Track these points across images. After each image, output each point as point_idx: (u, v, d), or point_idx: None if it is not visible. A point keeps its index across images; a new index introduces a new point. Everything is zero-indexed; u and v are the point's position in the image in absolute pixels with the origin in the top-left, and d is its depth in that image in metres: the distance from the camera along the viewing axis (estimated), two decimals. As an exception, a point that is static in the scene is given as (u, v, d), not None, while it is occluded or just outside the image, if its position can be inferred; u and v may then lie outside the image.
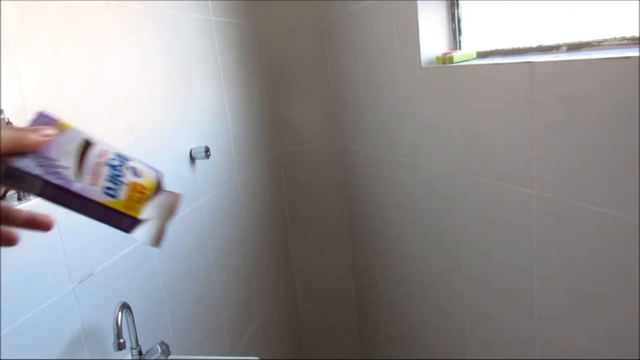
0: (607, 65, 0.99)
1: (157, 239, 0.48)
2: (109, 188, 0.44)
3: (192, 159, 1.54)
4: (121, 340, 1.02)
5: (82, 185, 0.42)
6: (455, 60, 1.49)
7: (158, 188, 0.48)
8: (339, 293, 2.54)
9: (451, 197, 1.56)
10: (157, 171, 0.49)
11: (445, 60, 1.51)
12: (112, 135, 1.18)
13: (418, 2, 1.55)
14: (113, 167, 0.45)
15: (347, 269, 2.51)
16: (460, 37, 1.60)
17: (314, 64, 2.27)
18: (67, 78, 1.04)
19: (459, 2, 1.58)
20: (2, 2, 0.90)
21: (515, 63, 1.22)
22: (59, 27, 1.03)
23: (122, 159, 0.46)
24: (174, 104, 1.47)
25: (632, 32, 1.08)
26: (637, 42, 1.06)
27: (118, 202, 0.44)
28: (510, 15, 1.48)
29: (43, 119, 0.44)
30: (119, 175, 0.45)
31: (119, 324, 1.02)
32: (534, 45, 1.33)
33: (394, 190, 1.92)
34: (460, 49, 1.61)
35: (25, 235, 0.90)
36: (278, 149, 2.34)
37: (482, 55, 1.52)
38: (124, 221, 0.45)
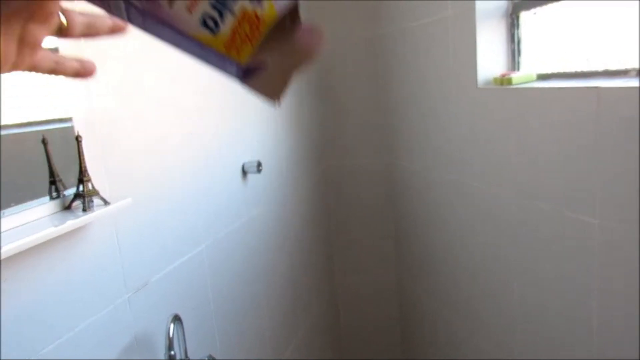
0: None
1: (274, 94, 0.36)
2: (209, 17, 0.32)
3: (244, 172, 1.56)
4: (172, 352, 1.04)
5: (174, 11, 0.31)
6: (514, 82, 1.45)
7: (285, 21, 0.33)
8: (381, 309, 2.50)
9: (504, 220, 1.51)
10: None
11: (503, 81, 1.48)
12: (168, 148, 1.21)
13: (477, 21, 1.53)
14: None
15: (391, 285, 2.47)
16: (520, 58, 1.56)
17: (365, 80, 2.26)
18: (132, 92, 1.08)
19: (520, 22, 1.55)
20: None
21: (580, 87, 1.18)
22: (128, 42, 1.07)
23: None
24: (228, 118, 1.50)
25: None
26: None
27: (217, 39, 0.32)
28: (571, 37, 1.43)
29: None
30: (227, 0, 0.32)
31: (171, 336, 1.04)
32: (600, 69, 1.28)
33: (442, 209, 1.88)
34: (519, 70, 1.57)
35: (86, 245, 0.92)
36: (327, 164, 2.34)
37: (542, 77, 1.47)
38: (228, 65, 0.34)
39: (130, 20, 0.33)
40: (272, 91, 0.35)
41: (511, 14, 1.55)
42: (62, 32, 0.36)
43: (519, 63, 1.57)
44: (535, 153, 1.34)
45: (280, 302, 1.86)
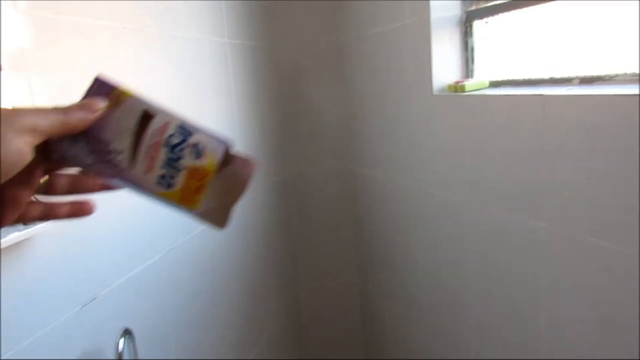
0: (618, 101, 0.97)
1: (220, 222, 0.42)
2: (163, 177, 0.39)
3: (202, 180, 1.55)
4: (122, 366, 1.02)
5: (135, 174, 0.38)
6: (467, 89, 1.48)
7: (224, 162, 0.40)
8: (344, 313, 2.51)
9: (460, 225, 1.54)
10: (224, 142, 0.40)
11: (457, 88, 1.51)
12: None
13: (432, 29, 1.56)
14: (172, 147, 0.39)
15: (354, 289, 2.49)
16: (473, 66, 1.60)
17: (326, 86, 2.28)
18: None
19: (472, 31, 1.58)
20: (16, 15, 0.92)
21: (527, 95, 1.21)
22: (75, 47, 1.05)
23: (185, 132, 0.39)
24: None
25: (645, 68, 1.07)
26: (651, 78, 1.05)
27: (173, 194, 0.39)
28: (522, 46, 1.47)
29: (99, 87, 0.39)
30: (177, 159, 0.39)
31: (120, 350, 1.02)
32: (546, 77, 1.32)
33: (403, 215, 1.91)
34: (472, 77, 1.60)
35: (31, 259, 0.90)
36: (288, 170, 2.34)
37: (494, 84, 1.51)
38: (182, 210, 0.40)
39: (105, 177, 0.39)
40: (219, 220, 0.42)
41: (464, 23, 1.59)
42: (46, 191, 0.39)
43: (472, 71, 1.61)
44: (487, 158, 1.38)
45: (241, 310, 1.84)
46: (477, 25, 1.58)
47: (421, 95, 1.65)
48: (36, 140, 0.34)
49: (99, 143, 0.38)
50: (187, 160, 0.39)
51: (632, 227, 0.98)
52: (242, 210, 1.85)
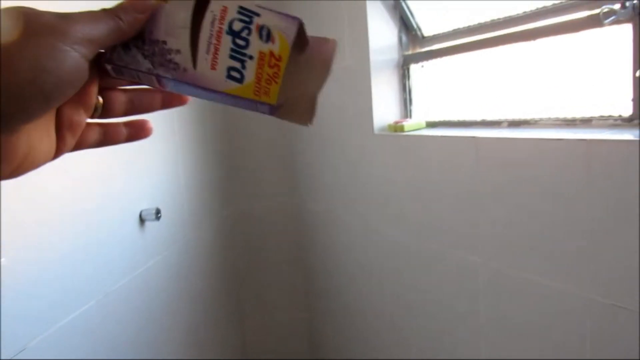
0: (543, 144, 1.05)
1: (304, 116, 0.37)
2: (232, 69, 0.34)
3: (142, 220, 1.51)
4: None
5: (199, 73, 0.33)
6: (406, 129, 1.54)
7: (299, 45, 0.35)
8: (292, 351, 2.47)
9: (400, 262, 1.58)
10: (296, 20, 0.35)
11: (396, 128, 1.57)
12: (55, 196, 1.15)
13: (372, 71, 1.62)
14: (236, 34, 0.33)
15: (302, 325, 2.46)
16: (411, 107, 1.67)
17: (271, 124, 2.30)
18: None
19: (410, 73, 1.66)
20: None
21: (461, 137, 1.28)
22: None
23: (248, 14, 0.34)
24: (124, 165, 1.45)
25: (564, 114, 1.16)
26: (569, 123, 1.14)
27: (245, 88, 0.34)
28: (456, 89, 1.56)
29: None
30: (244, 47, 0.33)
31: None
32: (479, 119, 1.40)
33: (347, 250, 1.93)
34: (411, 118, 1.67)
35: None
36: (233, 207, 2.32)
37: (431, 125, 1.58)
38: (260, 107, 0.35)
39: (164, 87, 0.35)
40: (302, 115, 0.37)
41: (402, 66, 1.66)
42: (104, 113, 0.35)
43: (410, 111, 1.68)
44: (425, 195, 1.43)
45: (186, 351, 1.78)
46: (414, 68, 1.66)
47: (362, 134, 1.69)
48: (93, 52, 0.30)
49: (154, 44, 0.33)
50: (256, 46, 0.34)
51: (562, 262, 1.04)
52: (186, 246, 1.81)
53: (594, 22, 1.00)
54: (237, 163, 2.31)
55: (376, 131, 1.64)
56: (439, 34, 1.55)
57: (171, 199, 1.73)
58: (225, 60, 0.34)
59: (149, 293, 1.54)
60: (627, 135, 0.92)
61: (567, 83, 1.20)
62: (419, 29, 1.62)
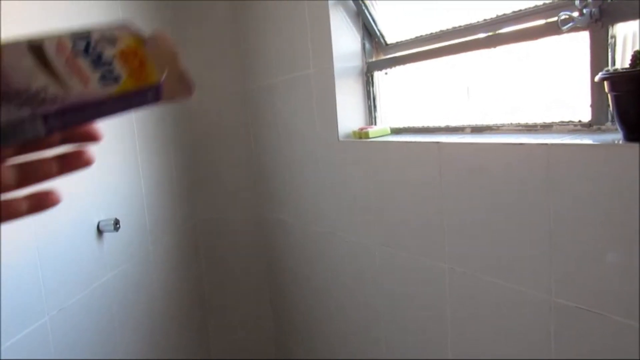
0: (505, 149, 1.06)
1: (187, 88, 0.39)
2: (103, 77, 0.35)
3: (100, 231, 1.45)
4: None
5: (78, 93, 0.34)
6: (370, 135, 1.54)
7: (139, 38, 0.38)
8: (259, 366, 2.43)
9: (369, 268, 1.57)
10: (123, 23, 0.38)
11: (361, 135, 1.56)
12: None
13: (336, 79, 1.61)
14: (86, 52, 0.35)
15: (268, 340, 2.42)
16: (376, 114, 1.67)
17: (236, 133, 2.26)
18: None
19: (374, 80, 1.66)
20: None
21: (425, 142, 1.28)
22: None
23: (83, 35, 0.36)
24: (81, 174, 1.39)
25: (525, 119, 1.18)
26: (530, 128, 1.16)
27: (126, 82, 0.36)
28: (420, 96, 1.57)
29: None
30: (100, 56, 0.35)
31: None
32: (442, 125, 1.41)
33: (313, 259, 1.91)
34: (375, 124, 1.67)
35: None
36: (197, 218, 2.27)
37: (395, 131, 1.58)
38: (148, 95, 0.37)
39: (52, 128, 0.34)
40: (183, 88, 0.39)
41: (366, 73, 1.67)
42: None
43: (375, 118, 1.68)
44: (391, 202, 1.42)
45: (145, 370, 1.72)
46: (378, 75, 1.66)
47: (327, 142, 1.68)
48: None
49: (19, 94, 0.33)
50: (110, 51, 0.36)
51: (525, 265, 1.05)
52: (147, 258, 1.75)
53: (553, 29, 1.02)
54: (200, 172, 2.26)
55: (341, 138, 1.63)
56: (401, 42, 1.56)
57: (131, 209, 1.67)
58: (92, 75, 0.35)
59: (107, 308, 1.48)
60: (587, 140, 0.94)
61: (528, 89, 1.22)
62: (382, 36, 1.63)
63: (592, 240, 0.91)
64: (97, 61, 0.35)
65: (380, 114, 1.68)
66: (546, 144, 0.96)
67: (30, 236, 1.15)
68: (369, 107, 1.69)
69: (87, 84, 0.35)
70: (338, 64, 1.62)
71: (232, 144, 2.27)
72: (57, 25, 1.33)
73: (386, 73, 1.63)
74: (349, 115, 1.66)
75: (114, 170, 1.57)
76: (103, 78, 0.35)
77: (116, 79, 0.36)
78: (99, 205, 1.47)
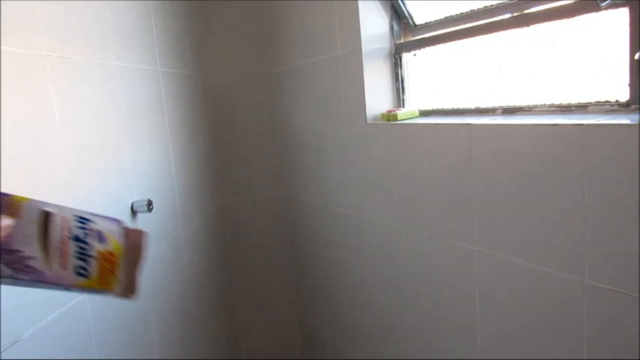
0: (538, 130, 1.04)
1: (132, 292, 0.47)
2: (80, 267, 0.42)
3: (134, 212, 1.49)
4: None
5: (53, 274, 0.40)
6: (399, 117, 1.54)
7: (122, 247, 0.46)
8: (284, 344, 2.47)
9: (395, 250, 1.57)
10: (118, 222, 0.46)
11: (389, 117, 1.56)
12: (47, 189, 1.12)
13: (364, 61, 1.61)
14: (78, 239, 0.42)
15: (293, 317, 2.46)
16: (404, 96, 1.66)
17: (261, 115, 2.28)
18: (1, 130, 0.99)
19: (402, 62, 1.65)
20: None
21: (455, 124, 1.27)
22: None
23: (84, 222, 0.43)
24: (116, 156, 1.43)
25: (559, 100, 1.16)
26: (564, 109, 1.14)
27: (92, 281, 0.42)
28: (449, 77, 1.55)
29: None
30: (85, 249, 0.42)
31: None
32: (473, 107, 1.39)
33: (339, 241, 1.92)
34: (404, 107, 1.66)
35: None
36: (223, 199, 2.30)
37: (424, 114, 1.57)
38: (105, 293, 0.44)
39: (25, 284, 0.40)
40: (130, 291, 0.47)
41: (394, 55, 1.65)
42: None
43: (403, 100, 1.67)
44: (419, 184, 1.42)
45: (176, 346, 1.77)
46: (406, 57, 1.65)
47: (355, 124, 1.68)
48: None
49: (12, 253, 0.38)
50: (95, 247, 0.43)
51: (558, 248, 1.04)
52: (177, 238, 1.79)
53: (590, 6, 0.99)
54: (227, 156, 2.29)
55: (369, 120, 1.63)
56: (430, 22, 1.54)
57: (162, 190, 1.70)
58: (72, 261, 0.42)
59: (142, 284, 1.52)
60: (624, 120, 0.92)
61: (563, 69, 1.19)
62: (411, 17, 1.61)
63: (628, 222, 0.90)
64: (82, 252, 0.42)
65: (408, 96, 1.67)
66: (582, 125, 0.95)
67: (69, 216, 1.19)
68: (397, 89, 1.68)
69: (65, 269, 0.41)
70: (366, 46, 1.61)
71: (258, 126, 2.28)
72: (87, 24, 1.35)
73: (415, 54, 1.62)
74: (377, 97, 1.65)
75: (145, 151, 1.61)
76: (79, 269, 0.42)
77: (87, 275, 0.42)
78: (133, 186, 1.50)
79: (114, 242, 0.45)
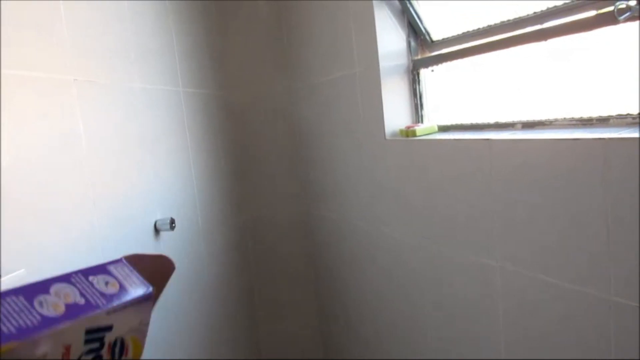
0: (559, 145, 1.04)
1: None
2: None
3: (157, 231, 1.51)
4: None
5: None
6: (418, 133, 1.54)
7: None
8: (305, 356, 2.46)
9: (415, 265, 1.56)
10: (145, 287, 0.35)
11: (408, 133, 1.56)
12: (74, 209, 1.15)
13: (382, 77, 1.62)
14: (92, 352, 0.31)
15: (314, 333, 2.45)
16: (422, 112, 1.67)
17: (281, 132, 2.30)
18: (28, 152, 1.03)
19: (420, 78, 1.66)
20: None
21: (474, 139, 1.27)
22: (22, 101, 1.02)
23: (99, 333, 0.31)
24: (140, 176, 1.46)
25: (580, 113, 1.15)
26: (585, 122, 1.13)
27: None
28: (467, 92, 1.55)
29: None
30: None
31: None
32: (492, 121, 1.39)
33: (359, 255, 1.92)
34: (422, 122, 1.67)
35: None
36: (245, 215, 2.32)
37: (443, 129, 1.57)
38: None
39: None
40: None
41: (412, 71, 1.66)
42: None
43: (422, 116, 1.68)
44: (439, 200, 1.42)
45: (200, 355, 1.78)
46: (424, 73, 1.65)
47: (374, 140, 1.69)
48: None
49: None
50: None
51: (581, 264, 1.02)
52: (200, 255, 1.81)
53: (608, 19, 0.99)
54: (248, 171, 2.31)
55: (388, 137, 1.64)
56: (448, 38, 1.54)
57: (184, 208, 1.73)
58: None
59: (163, 305, 1.54)
60: (646, 133, 0.91)
61: (583, 82, 1.19)
62: (428, 33, 1.62)
63: (654, 236, 0.88)
64: None
65: (427, 111, 1.67)
66: (603, 139, 0.94)
67: (95, 236, 1.22)
68: (416, 105, 1.68)
69: None
70: (383, 63, 1.62)
71: (279, 142, 2.31)
72: (112, 48, 1.39)
73: (432, 70, 1.63)
74: (395, 113, 1.66)
75: (168, 170, 1.64)
76: None
77: None
78: (156, 205, 1.53)
79: (137, 344, 0.36)
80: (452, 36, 1.52)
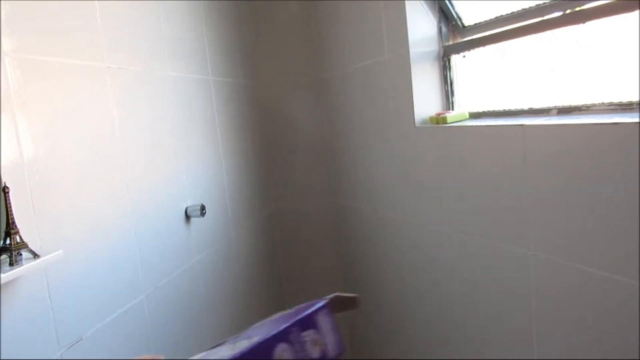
0: (597, 130, 1.01)
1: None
2: None
3: (188, 217, 1.53)
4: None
5: None
6: (448, 120, 1.52)
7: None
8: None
9: (446, 255, 1.55)
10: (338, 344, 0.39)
11: (439, 120, 1.54)
12: (108, 194, 1.18)
13: (412, 64, 1.60)
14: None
15: (343, 322, 2.45)
16: (453, 98, 1.64)
17: (309, 122, 2.30)
18: (64, 138, 1.05)
19: (451, 64, 1.63)
20: (3, 58, 0.92)
21: (508, 125, 1.24)
22: (58, 87, 1.05)
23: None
24: (171, 162, 1.48)
25: (619, 97, 1.11)
26: (625, 107, 1.09)
27: None
28: (500, 78, 1.52)
29: None
30: None
31: (107, 393, 0.99)
32: (525, 107, 1.36)
33: (387, 247, 1.91)
34: (453, 109, 1.64)
35: (14, 301, 0.88)
36: (273, 205, 2.34)
37: (474, 116, 1.55)
38: None
39: None
40: None
41: (443, 57, 1.64)
42: None
43: (452, 103, 1.65)
44: (471, 188, 1.40)
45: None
46: (455, 59, 1.63)
47: (404, 128, 1.67)
48: None
49: None
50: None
51: (619, 253, 0.99)
52: (229, 243, 1.83)
53: (651, -1, 0.95)
54: (276, 161, 2.32)
55: (417, 124, 1.62)
56: (480, 23, 1.51)
57: (214, 195, 1.75)
58: None
59: (195, 289, 1.56)
60: (690, 116, 0.88)
61: (620, 66, 1.15)
62: (459, 19, 1.59)
63: (697, 224, 0.85)
64: None
65: (457, 98, 1.65)
66: (643, 123, 0.91)
67: (130, 222, 1.25)
68: (446, 91, 1.66)
69: None
70: (414, 49, 1.60)
71: (307, 132, 2.31)
72: (144, 37, 1.41)
73: (464, 56, 1.60)
74: (425, 100, 1.64)
75: (198, 157, 1.66)
76: None
77: None
78: (187, 192, 1.55)
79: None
80: (485, 21, 1.48)
